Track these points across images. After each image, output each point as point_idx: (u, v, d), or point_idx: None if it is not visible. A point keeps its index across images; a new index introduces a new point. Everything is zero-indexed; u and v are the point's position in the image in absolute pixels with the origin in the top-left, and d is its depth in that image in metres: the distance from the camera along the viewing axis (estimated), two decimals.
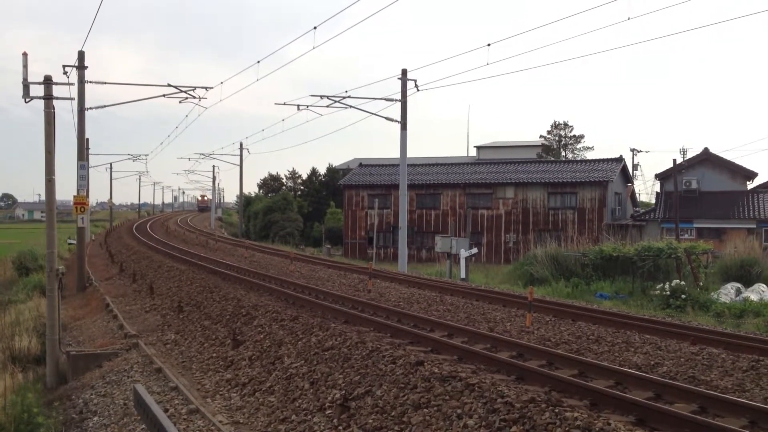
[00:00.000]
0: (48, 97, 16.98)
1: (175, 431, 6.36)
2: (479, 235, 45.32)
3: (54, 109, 16.98)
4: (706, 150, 46.93)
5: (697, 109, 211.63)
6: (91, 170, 40.43)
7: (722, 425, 6.88)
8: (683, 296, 20.11)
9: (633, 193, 55.84)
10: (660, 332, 12.68)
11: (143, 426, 9.35)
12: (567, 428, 6.40)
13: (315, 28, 22.51)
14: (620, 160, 47.26)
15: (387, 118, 31.23)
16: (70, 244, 45.51)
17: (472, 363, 9.77)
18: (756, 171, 46.71)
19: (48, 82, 17.22)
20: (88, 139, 30.06)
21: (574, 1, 30.79)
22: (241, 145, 65.64)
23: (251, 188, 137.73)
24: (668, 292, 20.56)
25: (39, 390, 13.75)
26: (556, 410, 6.79)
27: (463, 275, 26.08)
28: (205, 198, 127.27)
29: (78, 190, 25.22)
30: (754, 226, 40.41)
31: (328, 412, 8.70)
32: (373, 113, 31.79)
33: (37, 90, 17.44)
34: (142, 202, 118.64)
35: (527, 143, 70.48)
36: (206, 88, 27.31)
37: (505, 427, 6.83)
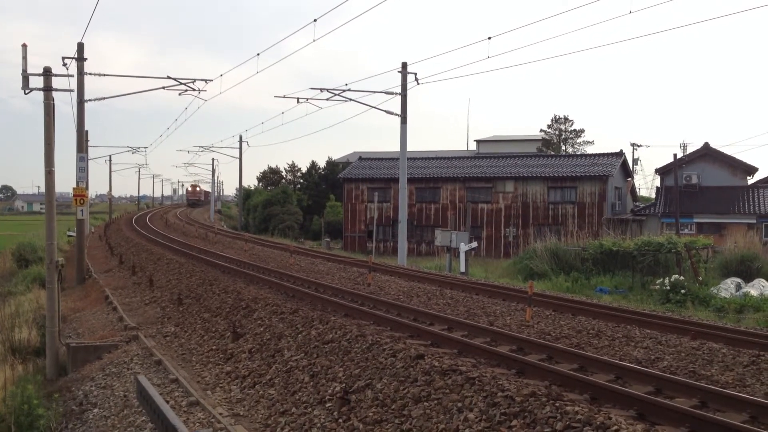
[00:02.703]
0: (47, 89, 16.93)
1: (178, 420, 6.35)
2: (479, 229, 45.30)
3: (53, 100, 16.92)
4: (706, 145, 46.87)
5: (697, 103, 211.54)
6: (90, 162, 40.34)
7: (723, 420, 6.87)
8: (683, 291, 20.11)
9: (633, 188, 55.80)
10: (660, 327, 12.67)
11: (143, 418, 9.35)
12: (568, 422, 6.39)
13: (315, 20, 22.43)
14: (620, 154, 47.20)
15: (387, 112, 31.19)
16: (69, 236, 45.51)
17: (472, 357, 9.76)
18: (756, 166, 46.72)
19: (47, 73, 17.16)
20: (87, 131, 30.00)
21: None
22: (240, 137, 65.66)
23: (251, 181, 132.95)
24: (668, 287, 20.56)
25: (39, 382, 13.76)
26: (557, 404, 6.78)
27: (462, 269, 26.06)
28: (198, 189, 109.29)
29: (77, 182, 25.18)
30: (755, 221, 40.39)
31: (328, 405, 8.70)
32: (373, 106, 31.75)
33: (37, 82, 17.40)
34: (141, 194, 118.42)
35: (527, 137, 70.39)
36: (206, 80, 27.23)
37: (505, 420, 6.83)
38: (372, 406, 8.19)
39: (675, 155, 43.36)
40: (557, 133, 70.85)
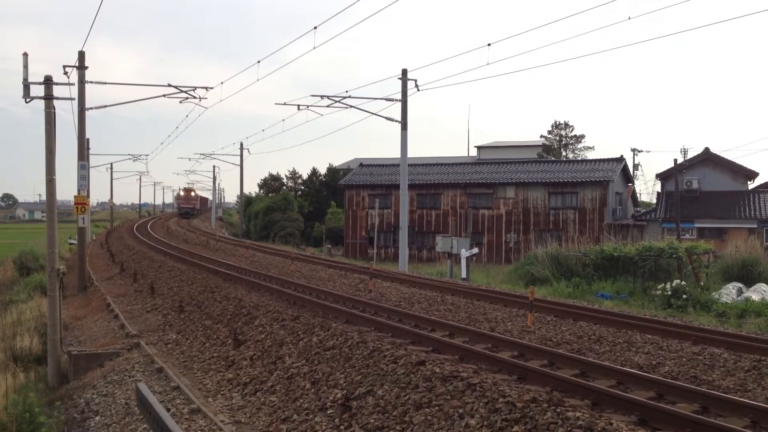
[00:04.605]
0: (48, 97, 16.97)
1: (178, 429, 6.34)
2: (480, 235, 45.31)
3: (54, 109, 16.97)
4: (706, 150, 46.91)
5: (697, 108, 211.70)
6: (91, 170, 40.44)
7: (724, 425, 6.88)
8: (684, 296, 20.07)
9: (634, 193, 55.82)
10: (661, 332, 12.67)
11: (145, 426, 9.35)
12: (569, 428, 6.39)
13: (315, 28, 22.50)
14: (621, 159, 47.24)
15: (387, 118, 31.24)
16: (70, 244, 45.52)
17: (473, 363, 9.77)
18: (757, 171, 46.73)
19: (48, 82, 17.21)
20: (88, 139, 30.08)
21: (575, 0, 30.77)
22: (241, 145, 65.69)
23: (252, 188, 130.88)
24: (669, 292, 20.52)
25: (40, 389, 13.76)
26: (558, 410, 6.78)
27: (464, 275, 26.06)
28: (192, 194, 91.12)
29: (78, 190, 25.21)
30: (756, 226, 40.38)
31: (329, 411, 8.70)
32: (373, 113, 31.80)
33: (38, 90, 17.43)
34: (142, 202, 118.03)
35: (528, 143, 70.47)
36: (206, 88, 27.32)
37: (506, 426, 6.83)
38: (373, 412, 8.19)
39: (675, 160, 43.46)
40: (558, 138, 71.00)
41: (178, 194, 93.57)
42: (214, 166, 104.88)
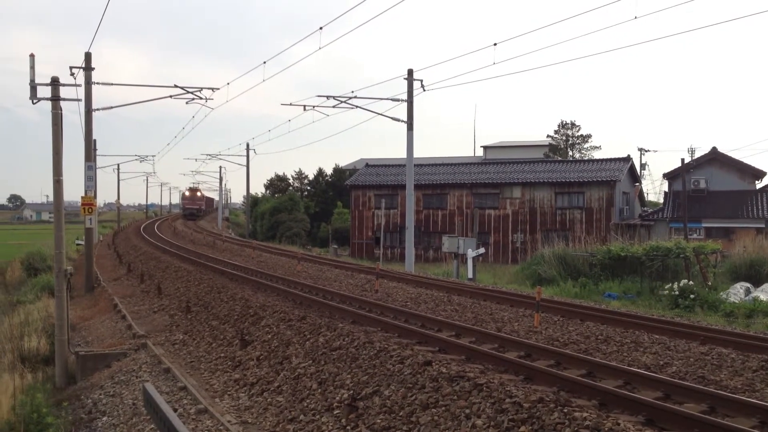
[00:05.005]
0: (55, 99, 17.02)
1: (185, 429, 6.36)
2: (486, 235, 45.25)
3: (61, 110, 17.00)
4: (714, 149, 46.70)
5: (705, 108, 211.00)
6: (98, 171, 40.54)
7: (732, 425, 6.85)
8: (692, 296, 20.01)
9: (641, 193, 55.63)
10: (669, 332, 12.63)
11: (152, 426, 9.37)
12: (576, 428, 6.38)
13: (321, 28, 22.56)
14: (628, 159, 47.09)
15: (393, 119, 31.25)
16: (78, 244, 45.72)
17: (480, 363, 9.75)
18: (765, 170, 46.40)
19: (55, 83, 17.26)
20: (95, 140, 30.21)
21: (581, 0, 30.70)
22: (247, 145, 65.85)
23: (258, 189, 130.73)
24: (677, 292, 20.46)
25: (48, 390, 13.81)
26: (565, 410, 6.76)
27: (470, 275, 26.02)
28: (198, 194, 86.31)
29: (85, 191, 25.29)
30: (763, 226, 40.17)
31: (336, 412, 8.71)
32: (379, 113, 31.82)
33: (45, 91, 17.47)
34: (149, 202, 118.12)
35: (534, 143, 70.35)
36: (213, 89, 27.33)
37: (513, 427, 6.81)
38: (380, 413, 8.18)
39: (683, 160, 43.24)
40: (564, 138, 70.76)
41: (183, 194, 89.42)
42: (220, 167, 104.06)
